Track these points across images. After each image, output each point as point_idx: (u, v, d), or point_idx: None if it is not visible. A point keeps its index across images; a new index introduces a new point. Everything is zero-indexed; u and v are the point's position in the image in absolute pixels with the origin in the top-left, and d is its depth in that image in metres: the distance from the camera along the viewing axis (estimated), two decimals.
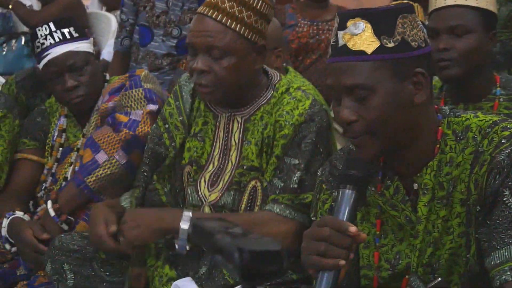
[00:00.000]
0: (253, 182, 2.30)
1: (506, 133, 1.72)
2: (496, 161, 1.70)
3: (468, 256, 1.78)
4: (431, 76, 1.76)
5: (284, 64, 3.08)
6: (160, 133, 2.45)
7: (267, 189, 2.28)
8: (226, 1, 2.23)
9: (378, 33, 1.70)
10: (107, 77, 2.96)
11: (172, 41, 3.71)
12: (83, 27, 2.98)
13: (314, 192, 1.97)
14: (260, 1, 2.26)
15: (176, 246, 2.24)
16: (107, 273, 2.47)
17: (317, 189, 1.96)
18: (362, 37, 1.70)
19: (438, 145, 1.78)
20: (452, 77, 2.50)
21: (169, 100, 2.47)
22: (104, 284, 2.46)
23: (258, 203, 2.30)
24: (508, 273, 1.65)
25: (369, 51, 1.70)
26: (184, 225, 2.22)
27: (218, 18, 2.22)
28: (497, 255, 1.68)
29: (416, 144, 1.77)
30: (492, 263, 1.68)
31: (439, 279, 1.78)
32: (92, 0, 5.82)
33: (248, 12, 2.24)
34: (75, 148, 2.91)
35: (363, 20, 1.71)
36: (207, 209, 2.33)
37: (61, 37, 2.82)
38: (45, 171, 2.95)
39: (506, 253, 1.67)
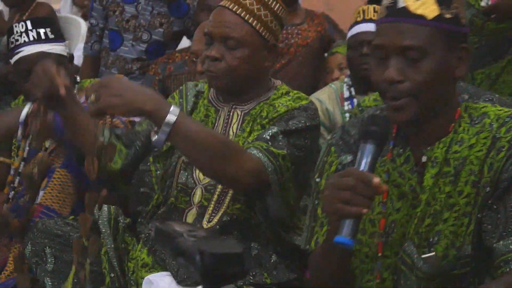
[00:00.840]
0: None
1: None
2: (511, 149, 1.80)
3: (464, 235, 1.85)
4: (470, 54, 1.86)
5: None
6: None
7: None
8: None
9: (439, 2, 1.79)
10: (78, 79, 2.97)
11: (142, 45, 3.71)
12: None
13: (322, 155, 2.03)
14: (278, 4, 2.42)
15: (155, 138, 2.16)
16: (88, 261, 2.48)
17: (325, 152, 2.01)
18: (424, 3, 1.79)
19: (453, 124, 1.86)
20: None
21: (174, 95, 2.55)
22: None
23: None
24: None
25: (429, 16, 1.79)
26: (171, 118, 2.10)
27: (238, 12, 2.37)
28: (507, 243, 1.78)
29: (438, 118, 1.86)
30: (506, 249, 1.78)
31: (434, 253, 1.84)
32: (64, 2, 5.80)
33: (266, 12, 2.39)
34: (43, 148, 2.90)
35: None
36: (199, 190, 2.38)
37: (35, 37, 2.84)
38: (12, 171, 2.95)
39: None
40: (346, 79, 3.41)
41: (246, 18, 2.37)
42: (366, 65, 3.26)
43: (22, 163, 2.93)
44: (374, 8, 3.29)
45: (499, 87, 3.25)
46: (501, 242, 1.79)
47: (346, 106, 3.33)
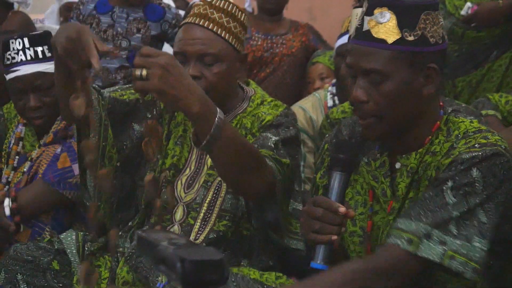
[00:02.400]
0: (219, 179, 2.36)
1: (483, 140, 1.85)
2: (458, 156, 1.83)
3: None
4: (442, 71, 1.89)
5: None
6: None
7: None
8: (214, 12, 2.36)
9: (401, 25, 1.84)
10: None
11: (122, 53, 3.72)
12: None
13: (320, 151, 2.13)
14: (243, 13, 2.41)
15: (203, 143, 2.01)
16: (60, 284, 2.48)
17: (322, 149, 2.12)
18: (385, 27, 1.84)
19: (430, 137, 1.92)
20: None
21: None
22: None
23: (222, 195, 2.37)
24: (404, 241, 1.79)
25: (389, 40, 1.84)
26: (217, 126, 1.98)
27: (209, 27, 2.34)
28: (406, 223, 1.81)
29: (413, 131, 1.91)
30: (399, 225, 1.81)
31: None
32: (50, 13, 5.76)
33: (234, 23, 2.37)
34: (29, 158, 2.91)
35: (389, 11, 1.85)
36: (181, 208, 2.38)
37: (33, 55, 2.82)
38: (3, 180, 2.94)
39: (414, 227, 1.80)
40: (330, 88, 3.44)
41: (218, 32, 2.35)
42: None
43: (12, 172, 2.94)
44: None
45: (480, 94, 3.29)
46: (402, 220, 1.83)
47: None
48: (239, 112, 2.43)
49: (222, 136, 1.99)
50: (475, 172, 1.81)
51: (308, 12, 5.48)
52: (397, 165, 1.93)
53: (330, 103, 3.38)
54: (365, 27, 1.86)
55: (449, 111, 1.95)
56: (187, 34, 2.36)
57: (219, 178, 2.37)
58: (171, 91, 1.91)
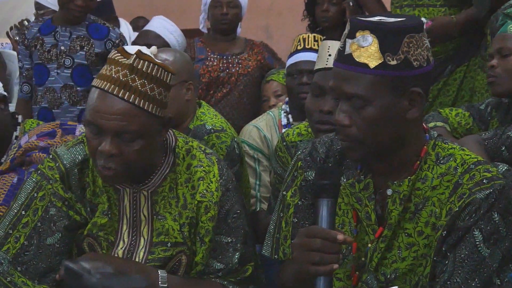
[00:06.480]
0: (178, 256, 2.18)
1: (488, 174, 1.83)
2: (474, 198, 1.81)
3: (421, 276, 1.87)
4: (427, 94, 1.86)
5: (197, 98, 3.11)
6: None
7: (202, 271, 2.20)
8: (136, 78, 2.07)
9: (383, 49, 1.79)
10: (20, 119, 2.93)
11: (66, 71, 3.72)
12: None
13: (290, 168, 2.07)
14: (169, 74, 2.13)
15: None
16: None
17: (293, 166, 2.06)
18: (367, 51, 1.80)
19: (418, 162, 1.89)
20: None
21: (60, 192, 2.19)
22: None
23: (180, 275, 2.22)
24: None
25: (371, 65, 1.79)
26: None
27: (130, 99, 2.06)
28: None
29: (399, 154, 1.88)
30: None
31: (396, 287, 1.86)
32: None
33: (159, 89, 2.10)
34: None
35: (372, 34, 1.80)
36: None
37: None
38: None
39: None
40: (283, 106, 3.42)
41: (141, 104, 2.06)
42: (305, 94, 3.25)
43: None
44: (314, 37, 3.30)
45: (437, 109, 3.28)
46: None
47: None
48: (166, 171, 2.20)
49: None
50: (496, 217, 1.80)
51: (264, 30, 5.50)
52: (389, 192, 1.89)
53: (284, 121, 3.37)
54: (347, 51, 1.81)
55: (435, 135, 1.92)
56: (103, 105, 2.06)
57: (178, 255, 2.19)
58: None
